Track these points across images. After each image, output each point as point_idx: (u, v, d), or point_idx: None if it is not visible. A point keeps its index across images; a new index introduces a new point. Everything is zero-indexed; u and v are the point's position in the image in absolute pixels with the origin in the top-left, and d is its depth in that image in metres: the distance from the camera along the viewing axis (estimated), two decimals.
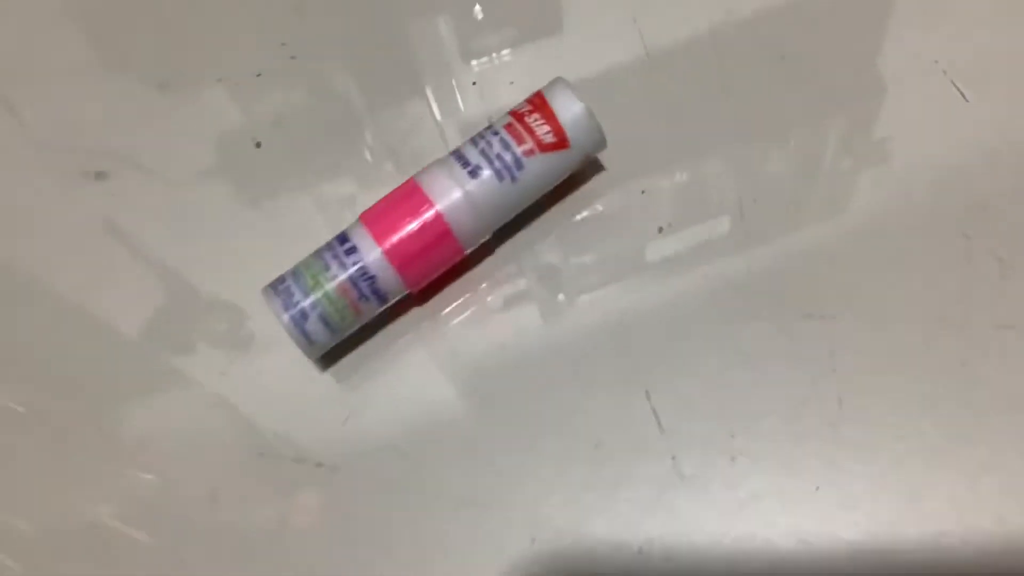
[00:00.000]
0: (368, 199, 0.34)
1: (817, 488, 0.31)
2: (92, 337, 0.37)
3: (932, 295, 0.33)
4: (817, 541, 0.31)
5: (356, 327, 0.34)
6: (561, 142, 0.34)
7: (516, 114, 0.34)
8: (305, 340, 0.33)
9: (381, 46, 0.41)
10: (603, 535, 0.32)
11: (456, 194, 0.33)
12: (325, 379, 0.35)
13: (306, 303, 0.33)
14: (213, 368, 0.36)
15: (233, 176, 0.40)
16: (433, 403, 0.35)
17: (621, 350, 0.34)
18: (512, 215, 0.35)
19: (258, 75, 0.41)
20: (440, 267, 0.35)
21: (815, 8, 0.39)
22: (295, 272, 0.34)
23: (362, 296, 0.33)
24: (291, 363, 0.35)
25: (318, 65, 0.42)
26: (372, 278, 0.33)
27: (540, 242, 0.36)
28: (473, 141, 0.34)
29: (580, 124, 0.34)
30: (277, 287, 0.33)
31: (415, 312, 0.36)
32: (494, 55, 0.40)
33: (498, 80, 0.40)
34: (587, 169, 0.37)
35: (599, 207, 0.37)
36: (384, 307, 0.34)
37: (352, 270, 0.33)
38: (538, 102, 0.34)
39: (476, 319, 0.36)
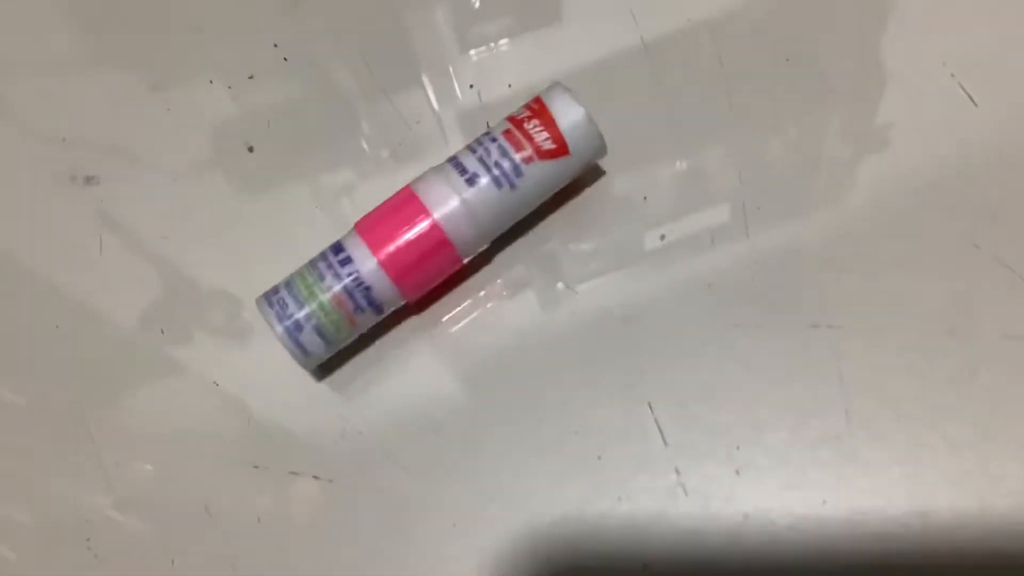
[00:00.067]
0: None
1: (824, 502, 0.31)
2: (89, 331, 0.37)
3: (940, 305, 0.33)
4: (824, 555, 0.30)
5: (352, 338, 0.34)
6: (561, 149, 0.33)
7: (514, 120, 0.33)
8: (300, 351, 0.32)
9: (376, 41, 0.41)
10: (606, 551, 0.31)
11: (454, 202, 0.32)
12: (321, 389, 0.35)
13: (300, 314, 0.32)
14: (207, 377, 0.35)
15: (227, 171, 0.39)
16: (431, 414, 0.34)
17: (622, 361, 0.33)
18: (511, 223, 0.34)
19: (250, 77, 0.41)
20: (437, 277, 0.34)
21: (821, 9, 0.38)
22: (289, 283, 0.33)
23: (358, 307, 0.32)
24: (288, 373, 0.34)
25: (311, 66, 0.41)
26: (368, 288, 0.32)
27: (539, 249, 0.36)
28: (471, 148, 0.33)
29: (580, 130, 0.33)
30: (271, 298, 0.33)
31: (412, 321, 0.35)
32: (492, 44, 0.40)
33: (496, 71, 0.39)
34: (587, 174, 0.36)
35: (599, 214, 0.36)
36: (380, 318, 0.34)
37: (347, 280, 0.32)
38: (537, 108, 0.33)
39: (474, 329, 0.35)
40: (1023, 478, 0.30)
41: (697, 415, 0.32)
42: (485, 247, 0.35)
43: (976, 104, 0.35)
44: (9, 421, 0.36)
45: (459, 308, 0.35)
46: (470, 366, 0.34)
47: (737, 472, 0.31)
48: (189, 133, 0.40)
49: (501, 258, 0.36)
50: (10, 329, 0.38)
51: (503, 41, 0.40)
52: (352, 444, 0.34)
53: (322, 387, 0.35)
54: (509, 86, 0.39)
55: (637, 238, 0.35)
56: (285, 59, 0.41)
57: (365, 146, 0.39)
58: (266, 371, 0.35)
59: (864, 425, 0.31)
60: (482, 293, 0.35)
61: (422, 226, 0.32)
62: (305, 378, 0.35)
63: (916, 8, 0.38)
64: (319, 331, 0.32)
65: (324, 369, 0.35)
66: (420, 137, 0.38)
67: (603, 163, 0.36)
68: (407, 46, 0.41)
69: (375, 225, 0.33)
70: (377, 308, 0.33)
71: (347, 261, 0.32)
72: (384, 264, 0.32)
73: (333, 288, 0.32)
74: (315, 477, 0.33)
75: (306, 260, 0.33)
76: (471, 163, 0.33)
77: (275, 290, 0.33)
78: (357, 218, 0.33)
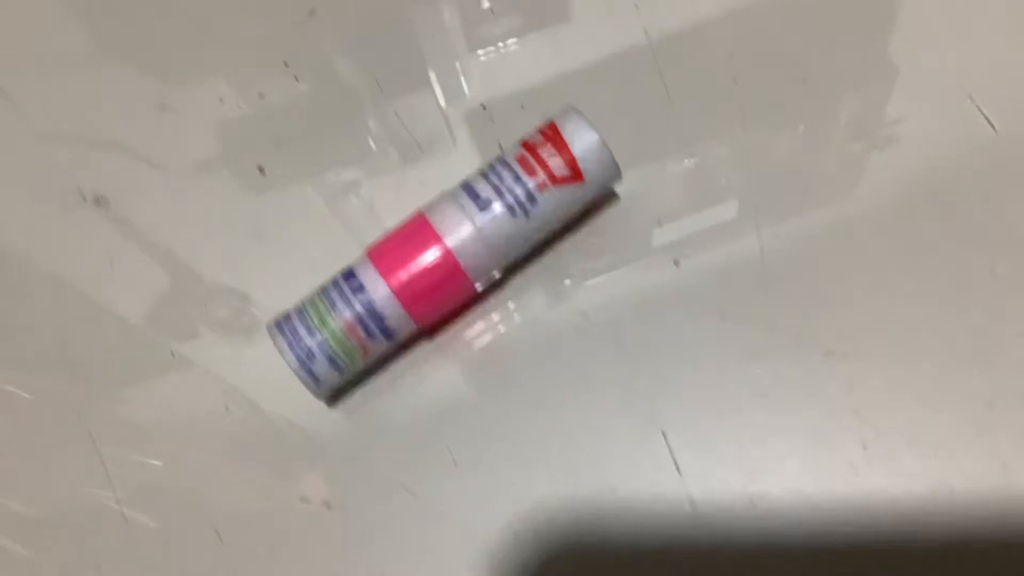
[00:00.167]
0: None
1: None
2: (98, 327, 0.37)
3: (957, 333, 0.32)
4: None
5: (364, 366, 0.33)
6: (575, 175, 0.32)
7: (528, 145, 0.33)
8: (312, 380, 0.32)
9: (387, 51, 0.40)
10: None
11: (467, 230, 0.32)
12: (334, 416, 0.35)
13: (312, 342, 0.32)
14: (219, 404, 0.35)
15: (235, 178, 0.39)
16: (443, 440, 0.34)
17: (637, 389, 0.33)
18: (524, 250, 0.34)
19: (260, 96, 0.40)
20: (450, 303, 0.34)
21: (838, 32, 0.38)
22: (300, 310, 0.33)
23: (370, 335, 0.32)
24: (299, 399, 0.34)
25: (321, 81, 0.40)
26: (380, 316, 0.32)
27: (552, 274, 0.35)
28: (483, 174, 0.33)
29: (594, 156, 0.32)
30: (282, 325, 0.32)
31: (424, 347, 0.35)
32: (500, 44, 0.39)
33: (503, 71, 0.39)
34: (601, 197, 0.36)
35: (613, 238, 0.36)
36: (393, 345, 0.33)
37: (359, 308, 0.32)
38: (550, 132, 0.33)
39: (486, 355, 0.35)
40: None
41: (712, 444, 0.32)
42: (499, 275, 0.34)
43: (995, 129, 0.35)
44: (16, 417, 0.36)
45: (471, 334, 0.35)
46: (481, 393, 0.34)
47: (752, 503, 0.31)
48: (199, 150, 0.40)
49: (514, 282, 0.35)
50: (18, 327, 0.38)
51: (512, 40, 0.39)
52: (362, 471, 0.34)
53: (335, 415, 0.35)
54: (522, 107, 0.38)
55: (650, 263, 0.35)
56: (296, 78, 0.40)
57: (373, 146, 0.38)
58: (278, 398, 0.35)
59: (880, 455, 0.31)
60: (494, 317, 0.35)
61: (435, 254, 0.32)
62: (316, 405, 0.35)
63: (935, 31, 0.37)
64: (331, 359, 0.32)
65: (334, 395, 0.34)
66: (429, 148, 0.38)
67: (616, 185, 0.36)
68: (415, 43, 0.40)
69: (387, 252, 0.32)
70: (389, 335, 0.33)
71: (359, 289, 0.32)
72: (397, 292, 0.32)
73: (345, 315, 0.32)
74: (325, 504, 0.33)
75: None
76: (484, 189, 0.32)
77: (286, 317, 0.33)
78: (368, 232, 0.33)
